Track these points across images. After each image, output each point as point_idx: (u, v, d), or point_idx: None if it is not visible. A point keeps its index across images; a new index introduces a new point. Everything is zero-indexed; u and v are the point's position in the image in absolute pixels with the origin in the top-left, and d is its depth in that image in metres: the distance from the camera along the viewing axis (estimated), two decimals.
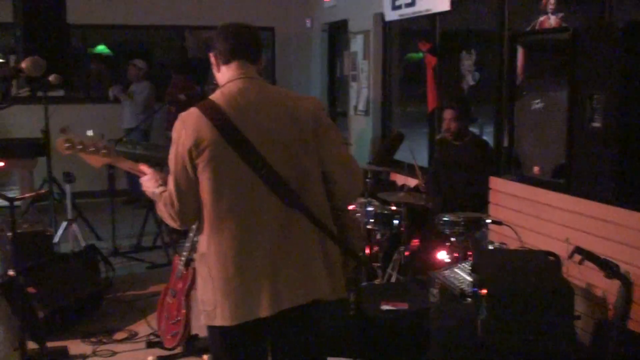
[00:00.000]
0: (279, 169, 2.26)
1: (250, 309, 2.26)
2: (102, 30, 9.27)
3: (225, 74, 2.38)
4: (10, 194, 3.43)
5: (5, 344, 3.36)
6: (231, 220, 2.25)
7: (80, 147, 2.61)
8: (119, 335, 4.38)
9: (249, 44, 2.38)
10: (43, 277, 4.50)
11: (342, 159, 2.40)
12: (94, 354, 4.12)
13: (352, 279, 2.57)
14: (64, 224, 5.99)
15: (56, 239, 5.69)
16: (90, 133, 2.63)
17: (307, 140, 2.31)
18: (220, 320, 2.29)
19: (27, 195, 4.61)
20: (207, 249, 2.30)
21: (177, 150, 2.28)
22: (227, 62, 2.37)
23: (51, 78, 4.63)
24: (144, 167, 2.49)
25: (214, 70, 2.44)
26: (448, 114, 4.93)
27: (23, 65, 2.17)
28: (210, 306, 2.31)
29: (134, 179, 7.82)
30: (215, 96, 2.32)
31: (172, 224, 2.37)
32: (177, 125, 2.31)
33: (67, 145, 2.61)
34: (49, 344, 3.93)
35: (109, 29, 9.28)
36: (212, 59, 2.41)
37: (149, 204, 6.59)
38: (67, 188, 6.02)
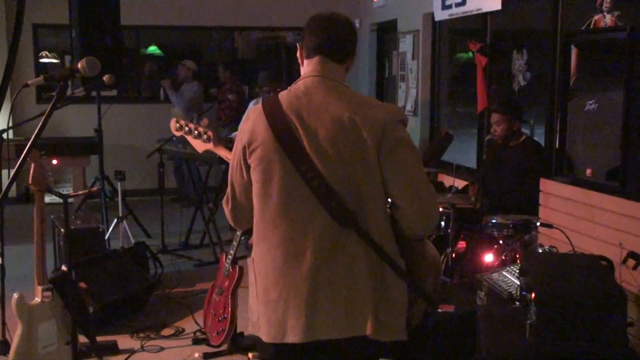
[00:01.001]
0: (334, 183, 1.99)
1: (281, 330, 2.05)
2: (153, 31, 9.44)
3: (305, 69, 2.18)
4: (64, 191, 3.50)
5: (57, 338, 3.44)
6: (276, 230, 2.05)
7: (187, 130, 2.84)
8: (167, 332, 4.44)
9: (335, 41, 2.14)
10: (94, 272, 4.61)
11: (409, 183, 2.03)
12: (142, 349, 4.19)
13: (412, 320, 2.16)
14: (115, 221, 6.12)
15: (107, 236, 5.81)
16: (205, 122, 2.88)
17: (369, 157, 1.99)
18: (261, 332, 2.13)
19: (80, 192, 4.70)
20: (255, 255, 2.16)
21: (236, 145, 2.16)
22: (309, 56, 2.16)
23: (105, 78, 4.72)
24: None
25: (300, 62, 2.24)
26: (494, 117, 4.87)
27: (79, 65, 2.20)
28: (254, 316, 2.16)
29: (181, 178, 7.98)
30: (283, 93, 2.13)
31: (230, 223, 2.29)
32: (244, 118, 2.21)
33: (177, 126, 2.87)
34: (99, 339, 4.01)
35: (160, 30, 9.44)
36: (298, 51, 2.21)
37: (197, 203, 6.70)
38: (119, 186, 6.14)
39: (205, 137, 2.82)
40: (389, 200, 2.09)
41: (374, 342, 2.03)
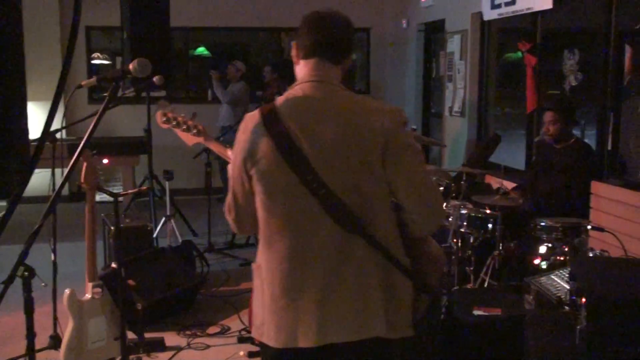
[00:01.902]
0: (338, 190, 1.96)
1: (292, 335, 2.03)
2: (201, 32, 9.56)
3: (301, 71, 2.11)
4: (114, 190, 3.57)
5: (107, 334, 3.51)
6: (282, 239, 2.03)
7: (175, 123, 2.79)
8: (212, 330, 4.49)
9: (333, 42, 2.07)
10: (142, 270, 4.69)
11: (415, 187, 2.02)
12: (189, 346, 4.24)
13: (422, 319, 2.15)
14: (163, 219, 6.21)
15: (155, 234, 5.90)
16: (194, 115, 2.82)
17: (373, 162, 1.97)
18: (266, 338, 2.09)
19: (129, 191, 4.78)
20: (261, 262, 2.13)
21: (235, 156, 2.10)
22: (305, 57, 2.09)
23: (155, 79, 4.80)
24: (231, 153, 2.33)
25: (294, 61, 2.16)
26: (548, 116, 4.78)
27: (130, 67, 2.24)
28: (259, 321, 2.13)
29: (227, 178, 8.07)
30: (280, 99, 2.06)
31: (234, 230, 2.27)
32: (241, 127, 2.11)
33: (164, 119, 2.79)
34: (147, 335, 4.07)
35: (208, 31, 9.55)
36: (293, 50, 2.14)
37: None
38: (167, 185, 6.23)
39: (194, 130, 2.77)
40: (394, 201, 2.08)
41: (385, 342, 2.04)
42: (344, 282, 2.00)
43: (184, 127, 2.79)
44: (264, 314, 2.10)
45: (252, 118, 2.08)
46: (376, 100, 2.12)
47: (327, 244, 2.00)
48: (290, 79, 2.20)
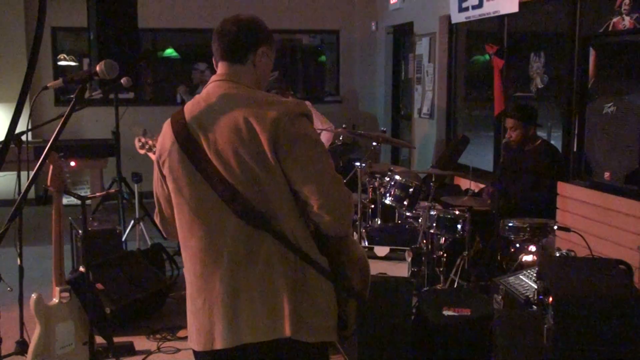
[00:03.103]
0: (238, 186, 1.95)
1: (208, 337, 2.01)
2: (170, 34, 9.49)
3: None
4: (82, 193, 3.53)
5: (75, 339, 3.47)
6: (193, 237, 2.04)
7: (148, 147, 2.91)
8: (183, 333, 4.45)
9: (227, 45, 2.12)
10: (111, 274, 4.63)
11: (311, 179, 1.97)
12: (159, 350, 4.21)
13: (348, 320, 2.10)
14: (132, 222, 6.15)
15: (124, 237, 5.84)
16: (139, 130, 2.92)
17: (266, 157, 1.94)
18: (191, 342, 2.09)
19: (97, 194, 4.73)
20: (183, 261, 2.12)
21: (155, 158, 2.15)
22: (215, 62, 2.17)
23: (123, 81, 4.74)
24: None
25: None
26: (509, 123, 4.88)
27: (98, 68, 2.22)
28: (188, 324, 2.11)
29: None
30: (189, 102, 2.13)
31: (163, 235, 2.27)
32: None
33: (139, 144, 2.98)
34: (116, 340, 4.03)
35: (177, 33, 9.49)
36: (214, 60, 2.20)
37: None
38: (135, 188, 6.17)
39: None
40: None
41: (300, 344, 1.99)
42: (252, 280, 1.97)
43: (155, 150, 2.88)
44: (189, 317, 2.09)
45: (167, 120, 2.13)
46: (279, 97, 2.12)
47: (234, 240, 1.98)
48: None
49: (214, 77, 2.13)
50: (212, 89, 2.09)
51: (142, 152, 2.91)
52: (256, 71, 2.14)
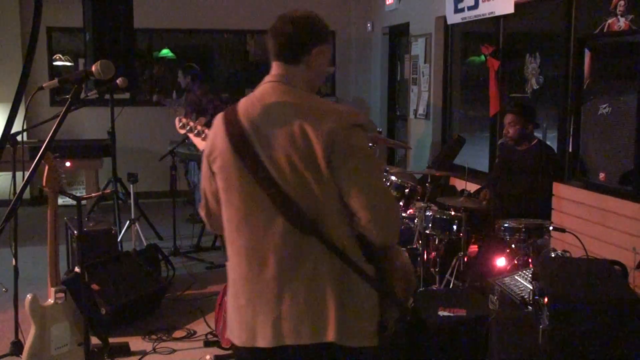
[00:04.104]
0: (290, 191, 1.96)
1: (251, 334, 2.05)
2: (166, 34, 9.48)
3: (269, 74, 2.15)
4: (77, 194, 3.52)
5: (70, 340, 3.46)
6: (240, 237, 2.06)
7: (189, 128, 2.97)
8: (178, 334, 4.45)
9: (284, 44, 2.08)
10: (106, 274, 4.63)
11: (361, 192, 1.97)
12: (154, 350, 4.20)
13: (388, 328, 2.12)
14: (127, 223, 6.14)
15: (119, 238, 5.83)
16: (201, 120, 3.03)
17: (319, 167, 1.95)
18: (232, 336, 2.13)
19: (93, 194, 4.73)
20: (228, 257, 2.15)
21: (204, 152, 2.16)
22: (271, 61, 2.13)
23: (118, 81, 4.74)
24: None
25: None
26: (508, 118, 4.88)
27: (93, 68, 2.22)
28: (229, 319, 2.16)
29: (193, 180, 7.98)
30: (242, 100, 2.12)
31: (208, 228, 2.30)
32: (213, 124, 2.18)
33: (180, 125, 3.00)
34: (111, 340, 4.02)
35: (173, 33, 9.48)
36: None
37: None
38: (131, 188, 6.16)
39: (203, 135, 2.91)
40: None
41: (343, 348, 2.02)
42: (298, 284, 1.99)
43: (196, 131, 2.96)
44: (230, 312, 2.13)
45: (218, 116, 2.13)
46: (335, 103, 2.10)
47: (282, 243, 1.99)
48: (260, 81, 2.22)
49: (268, 78, 2.11)
50: (267, 90, 2.07)
51: (182, 131, 3.00)
52: (310, 72, 2.11)
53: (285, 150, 1.96)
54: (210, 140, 2.12)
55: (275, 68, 2.11)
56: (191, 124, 2.95)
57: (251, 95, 2.10)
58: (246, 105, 2.07)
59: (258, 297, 2.03)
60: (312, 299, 1.99)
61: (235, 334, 2.10)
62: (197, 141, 2.96)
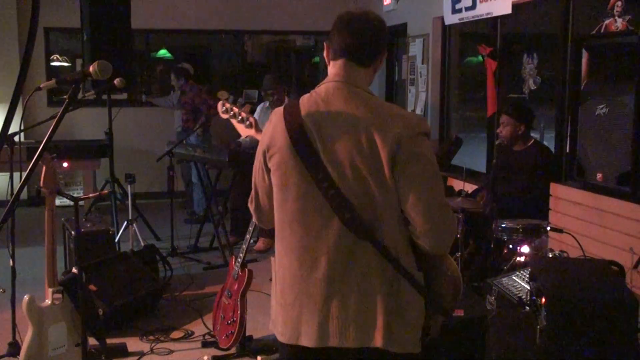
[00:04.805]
0: (348, 194, 1.96)
1: (296, 332, 2.06)
2: (164, 34, 9.48)
3: (329, 71, 2.11)
4: (75, 194, 3.52)
5: (68, 340, 3.46)
6: (292, 234, 2.05)
7: (232, 114, 2.94)
8: (176, 334, 4.45)
9: (359, 44, 2.05)
10: (104, 275, 4.63)
11: (420, 199, 1.96)
12: (152, 351, 4.20)
13: (431, 334, 2.14)
14: (125, 223, 6.14)
15: (117, 239, 5.82)
16: (247, 107, 2.98)
17: (383, 171, 1.94)
18: (276, 331, 2.14)
19: (90, 195, 4.72)
20: (276, 254, 2.15)
21: (258, 148, 2.14)
22: (334, 58, 2.09)
23: (116, 81, 4.74)
24: None
25: (327, 62, 2.15)
26: (502, 118, 4.90)
27: (91, 69, 2.21)
28: (273, 314, 2.18)
29: (189, 181, 7.98)
30: (304, 97, 2.09)
31: (255, 222, 2.31)
32: (269, 119, 2.15)
33: (223, 109, 2.95)
34: (108, 341, 4.02)
35: (170, 34, 9.47)
36: (325, 51, 2.15)
37: (204, 209, 6.70)
38: (129, 189, 6.16)
39: (247, 122, 2.90)
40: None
41: (387, 353, 2.02)
42: (347, 287, 2.00)
43: (240, 118, 2.92)
44: (275, 307, 2.14)
45: (276, 113, 2.11)
46: (400, 107, 2.10)
47: (335, 245, 1.99)
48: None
49: (332, 77, 2.08)
50: (332, 90, 2.05)
51: (224, 116, 2.97)
52: (373, 74, 2.14)
53: (350, 153, 1.95)
54: (269, 135, 2.08)
55: (342, 67, 2.07)
56: (235, 109, 2.96)
57: (313, 93, 2.08)
58: (309, 103, 2.05)
59: (306, 297, 2.03)
60: (361, 303, 1.99)
61: (280, 330, 2.11)
62: (241, 128, 2.92)
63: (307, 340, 2.04)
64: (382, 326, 1.99)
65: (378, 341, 1.99)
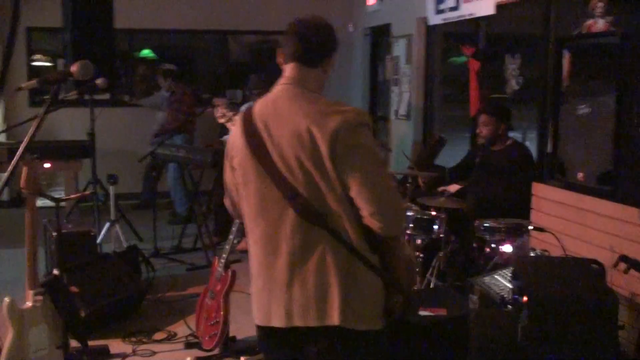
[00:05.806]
0: (299, 186, 2.13)
1: (266, 315, 2.25)
2: (147, 34, 9.43)
3: (283, 74, 2.29)
4: (56, 195, 3.49)
5: (49, 343, 3.43)
6: (257, 227, 2.25)
7: (227, 119, 3.11)
8: (159, 336, 4.43)
9: (306, 47, 2.25)
10: (86, 276, 4.59)
11: (365, 187, 2.11)
12: (134, 353, 4.18)
13: (394, 313, 2.27)
14: (107, 224, 6.10)
15: (99, 240, 5.79)
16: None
17: (325, 166, 2.10)
18: (253, 315, 2.32)
19: (72, 196, 4.69)
20: (248, 245, 2.33)
21: (226, 148, 2.35)
22: (286, 62, 2.28)
23: (98, 82, 4.71)
24: None
25: (282, 68, 2.32)
26: (482, 118, 4.94)
27: (73, 69, 2.20)
28: (252, 301, 2.34)
29: (173, 181, 7.93)
30: (259, 100, 2.29)
31: (231, 215, 2.49)
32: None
33: (219, 114, 3.16)
34: (91, 343, 3.99)
35: (153, 34, 9.42)
36: (279, 57, 2.31)
37: (187, 208, 6.67)
38: (111, 190, 6.12)
39: None
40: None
41: (350, 332, 2.17)
42: (306, 271, 2.16)
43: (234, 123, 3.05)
44: (252, 294, 2.31)
45: (240, 114, 2.32)
46: (343, 104, 2.21)
47: (292, 233, 2.17)
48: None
49: (283, 80, 2.26)
50: (280, 92, 2.23)
51: (221, 121, 3.11)
52: (324, 75, 2.31)
53: (294, 149, 2.13)
54: (231, 138, 2.31)
55: (292, 70, 2.26)
56: (230, 114, 3.05)
57: (267, 96, 2.26)
58: (261, 106, 2.24)
59: (273, 282, 2.21)
60: (318, 284, 2.15)
61: (255, 314, 2.30)
62: None
63: (277, 320, 2.21)
64: (339, 304, 2.14)
65: (335, 318, 2.14)
